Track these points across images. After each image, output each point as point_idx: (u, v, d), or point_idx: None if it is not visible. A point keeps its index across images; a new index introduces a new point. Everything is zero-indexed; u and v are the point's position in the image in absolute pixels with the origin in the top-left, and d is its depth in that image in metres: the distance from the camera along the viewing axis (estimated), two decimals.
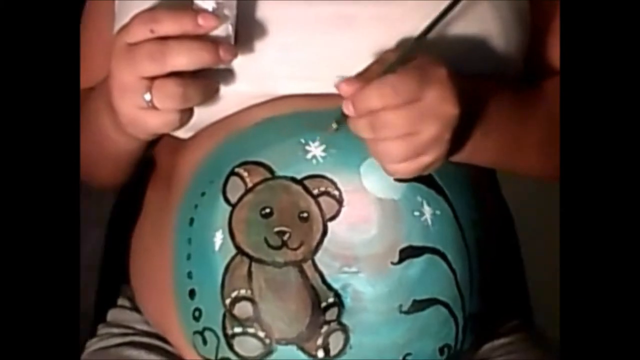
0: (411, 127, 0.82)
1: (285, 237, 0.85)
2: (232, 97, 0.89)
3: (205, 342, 0.88)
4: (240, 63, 0.87)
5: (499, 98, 0.91)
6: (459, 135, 0.86)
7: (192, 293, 0.88)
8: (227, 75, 0.88)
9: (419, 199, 0.87)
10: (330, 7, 0.87)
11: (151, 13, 0.84)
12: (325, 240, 0.85)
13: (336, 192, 0.86)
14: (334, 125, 0.85)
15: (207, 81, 0.86)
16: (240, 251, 0.86)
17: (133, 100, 0.84)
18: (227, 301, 0.86)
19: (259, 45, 0.87)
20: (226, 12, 0.85)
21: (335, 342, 0.86)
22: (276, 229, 0.86)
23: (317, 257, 0.85)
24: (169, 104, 0.84)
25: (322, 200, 0.86)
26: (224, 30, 0.85)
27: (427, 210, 0.87)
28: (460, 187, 0.90)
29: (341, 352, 0.86)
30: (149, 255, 0.95)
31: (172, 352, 0.95)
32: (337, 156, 0.87)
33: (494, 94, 0.90)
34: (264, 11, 0.87)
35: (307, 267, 0.85)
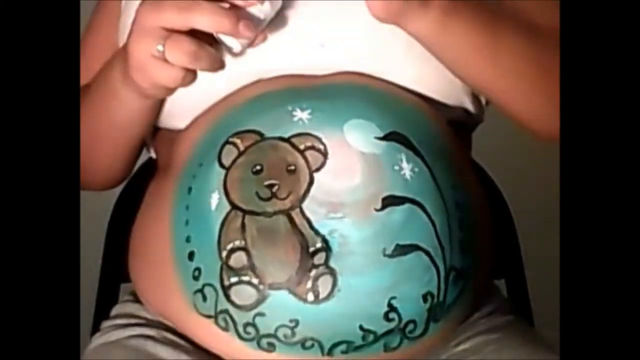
0: None
1: (275, 189, 0.90)
2: (225, 79, 0.95)
3: (205, 298, 0.91)
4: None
5: None
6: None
7: (191, 255, 0.92)
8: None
9: (398, 155, 0.92)
10: None
11: None
12: (312, 189, 0.90)
13: (321, 146, 0.91)
14: None
15: (217, 52, 0.92)
16: (234, 206, 0.91)
17: (147, 45, 0.90)
18: (224, 254, 0.90)
19: None
20: (267, 3, 0.91)
21: (324, 285, 0.89)
22: (266, 183, 0.91)
23: (305, 205, 0.90)
24: (179, 59, 0.90)
25: (308, 153, 0.91)
26: (258, 10, 0.91)
27: (406, 166, 0.92)
28: (439, 156, 0.94)
29: (330, 295, 0.89)
30: (148, 240, 0.98)
31: (177, 342, 0.97)
32: (322, 117, 0.93)
33: None
34: None
35: (295, 214, 0.90)
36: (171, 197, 0.96)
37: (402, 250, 0.90)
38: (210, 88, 0.97)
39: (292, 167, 0.91)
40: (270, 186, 0.91)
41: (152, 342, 0.97)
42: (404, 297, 0.90)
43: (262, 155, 0.92)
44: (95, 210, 1.12)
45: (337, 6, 0.97)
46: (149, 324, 1.01)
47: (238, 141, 0.93)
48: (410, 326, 0.91)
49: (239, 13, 0.90)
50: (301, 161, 0.91)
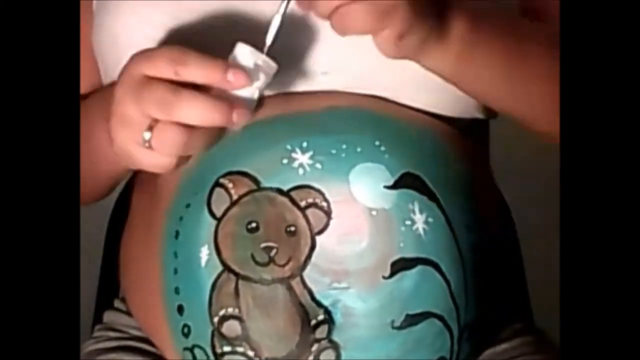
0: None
1: (273, 253, 0.81)
2: None
3: (194, 358, 0.84)
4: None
5: (494, 14, 0.86)
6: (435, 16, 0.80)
7: (180, 309, 0.84)
8: None
9: (411, 206, 0.82)
10: None
11: (181, 53, 0.78)
12: (314, 255, 0.81)
13: (324, 204, 0.81)
14: None
15: (212, 130, 0.80)
16: (226, 268, 0.82)
17: (131, 134, 0.79)
18: (215, 319, 0.82)
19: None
20: (261, 75, 0.79)
21: (326, 359, 0.81)
22: (263, 245, 0.81)
23: (306, 273, 0.81)
24: (168, 149, 0.79)
25: (310, 212, 0.81)
26: (250, 92, 0.79)
27: (419, 218, 0.82)
28: (454, 189, 0.85)
29: None
30: (139, 264, 0.91)
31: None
32: (325, 163, 0.82)
33: (488, 10, 0.85)
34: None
35: (296, 283, 0.81)
36: (159, 233, 0.87)
37: (412, 320, 0.82)
38: None
39: (292, 229, 0.81)
40: (268, 249, 0.81)
41: (141, 356, 0.92)
42: None
43: (258, 210, 0.81)
44: (95, 211, 1.03)
45: None
46: (140, 339, 0.94)
47: (229, 185, 0.82)
48: None
49: (229, 97, 0.78)
50: (302, 221, 0.81)
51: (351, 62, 0.85)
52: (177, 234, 0.85)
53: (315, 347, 0.81)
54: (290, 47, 0.84)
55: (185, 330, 0.84)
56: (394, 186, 0.82)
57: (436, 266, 0.82)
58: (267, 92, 0.84)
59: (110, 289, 1.06)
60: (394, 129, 0.85)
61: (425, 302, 0.82)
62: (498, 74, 0.86)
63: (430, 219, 0.83)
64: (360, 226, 0.81)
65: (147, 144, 0.79)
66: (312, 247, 0.81)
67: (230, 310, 0.82)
